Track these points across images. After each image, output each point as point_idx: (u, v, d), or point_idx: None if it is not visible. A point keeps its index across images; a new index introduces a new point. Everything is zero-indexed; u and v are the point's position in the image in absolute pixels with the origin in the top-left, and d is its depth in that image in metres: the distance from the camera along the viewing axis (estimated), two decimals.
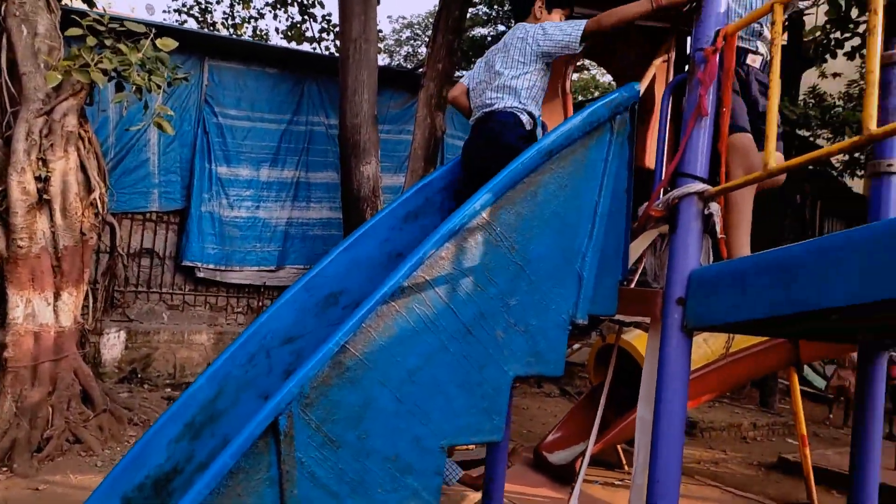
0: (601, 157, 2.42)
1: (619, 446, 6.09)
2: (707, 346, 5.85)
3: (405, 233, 2.86)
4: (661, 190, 2.46)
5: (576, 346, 10.01)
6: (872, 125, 1.79)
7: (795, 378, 6.41)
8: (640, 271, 3.29)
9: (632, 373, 5.18)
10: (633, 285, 3.35)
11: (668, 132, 2.93)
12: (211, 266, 8.31)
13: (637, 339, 5.38)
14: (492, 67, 2.98)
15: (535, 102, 2.92)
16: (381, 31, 21.00)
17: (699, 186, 2.29)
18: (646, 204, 2.46)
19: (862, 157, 10.84)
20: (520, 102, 2.87)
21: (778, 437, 9.00)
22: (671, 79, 3.31)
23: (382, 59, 21.70)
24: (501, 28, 18.82)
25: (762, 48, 2.80)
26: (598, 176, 2.41)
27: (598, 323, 3.77)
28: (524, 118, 2.87)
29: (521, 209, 2.26)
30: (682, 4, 2.51)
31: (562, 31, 2.79)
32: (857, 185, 13.96)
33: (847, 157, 11.72)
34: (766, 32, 2.76)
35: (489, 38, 19.45)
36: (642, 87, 3.27)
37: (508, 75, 2.88)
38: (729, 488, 5.96)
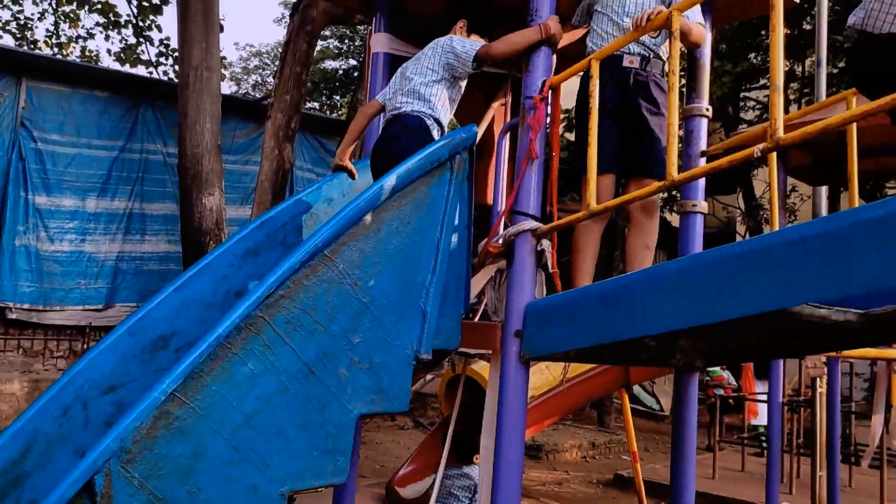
0: (442, 195, 2.49)
1: None
2: (549, 373, 6.16)
3: (244, 270, 2.75)
4: (500, 227, 2.58)
5: (428, 376, 10.12)
6: (674, 172, 2.00)
7: (626, 398, 6.90)
8: (483, 305, 3.41)
9: (483, 401, 5.31)
10: (476, 318, 3.46)
11: (508, 171, 3.09)
12: (26, 306, 7.45)
13: (485, 369, 5.54)
14: (404, 75, 2.95)
15: (444, 112, 2.88)
16: (225, 57, 20.31)
17: (531, 224, 2.43)
18: (485, 240, 2.56)
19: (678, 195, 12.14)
20: (429, 108, 2.82)
21: (614, 454, 9.63)
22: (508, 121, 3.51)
23: (228, 87, 20.97)
24: (353, 62, 18.98)
25: (637, 48, 2.87)
26: (439, 213, 2.48)
27: (443, 357, 3.84)
28: (430, 123, 2.82)
29: (364, 246, 2.26)
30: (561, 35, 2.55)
31: (463, 46, 2.82)
32: (676, 220, 15.57)
33: (666, 195, 13.04)
34: (646, 38, 2.82)
35: (340, 72, 19.52)
36: (481, 128, 3.44)
37: (418, 81, 2.84)
38: None
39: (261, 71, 22.67)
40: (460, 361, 5.76)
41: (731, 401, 9.83)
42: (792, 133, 1.71)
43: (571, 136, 6.50)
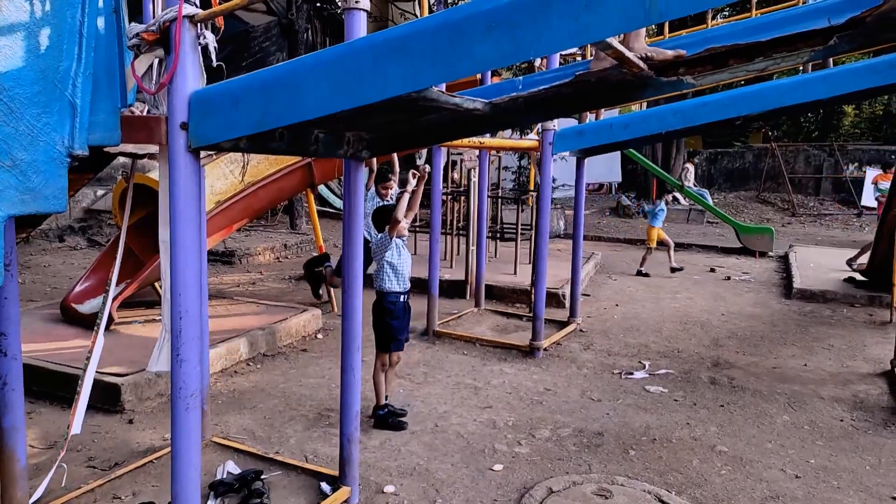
0: None
1: (157, 284, 6.13)
2: (233, 177, 6.16)
3: None
4: (153, 12, 2.41)
5: (100, 192, 9.27)
6: None
7: (312, 198, 7.31)
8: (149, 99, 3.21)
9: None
10: (145, 112, 3.27)
11: None
12: None
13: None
14: None
15: None
16: None
17: (189, 10, 2.32)
18: (134, 25, 2.39)
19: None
20: None
21: (306, 252, 10.27)
22: None
23: None
24: None
25: None
26: None
27: (108, 157, 3.60)
28: None
29: None
30: None
31: None
32: None
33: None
34: None
35: None
36: None
37: None
38: (263, 300, 6.69)
39: None
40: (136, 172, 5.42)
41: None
42: None
43: None
